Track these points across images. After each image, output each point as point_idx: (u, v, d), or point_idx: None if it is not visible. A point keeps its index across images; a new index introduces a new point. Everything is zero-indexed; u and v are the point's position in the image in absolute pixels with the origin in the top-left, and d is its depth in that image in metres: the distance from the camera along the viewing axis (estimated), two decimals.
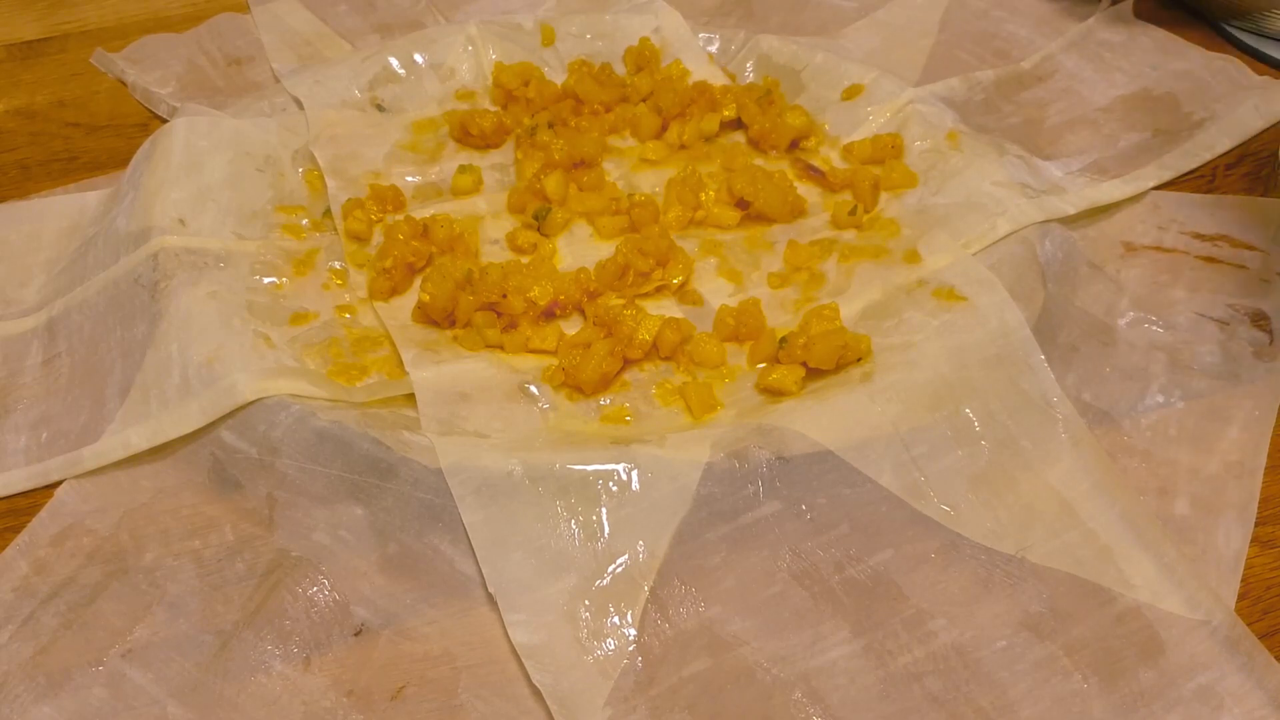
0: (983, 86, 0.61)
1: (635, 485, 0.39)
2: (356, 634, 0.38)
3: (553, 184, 0.53)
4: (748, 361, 0.46)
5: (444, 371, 0.45)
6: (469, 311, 0.47)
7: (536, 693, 0.35)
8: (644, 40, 0.62)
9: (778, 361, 0.45)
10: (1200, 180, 0.55)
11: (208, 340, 0.44)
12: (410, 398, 0.44)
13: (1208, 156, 0.56)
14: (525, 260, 0.51)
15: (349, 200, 0.53)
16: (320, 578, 0.39)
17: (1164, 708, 0.35)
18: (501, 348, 0.47)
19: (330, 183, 0.54)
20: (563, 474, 0.39)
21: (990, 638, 0.36)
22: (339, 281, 0.50)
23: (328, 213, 0.53)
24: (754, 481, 0.39)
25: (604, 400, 0.45)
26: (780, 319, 0.48)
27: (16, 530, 0.41)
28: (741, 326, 0.47)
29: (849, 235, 0.52)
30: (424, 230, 0.51)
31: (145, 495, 0.42)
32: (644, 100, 0.60)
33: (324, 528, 0.40)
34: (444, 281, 0.47)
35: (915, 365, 0.43)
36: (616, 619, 0.37)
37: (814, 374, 0.44)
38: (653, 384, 0.45)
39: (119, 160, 0.58)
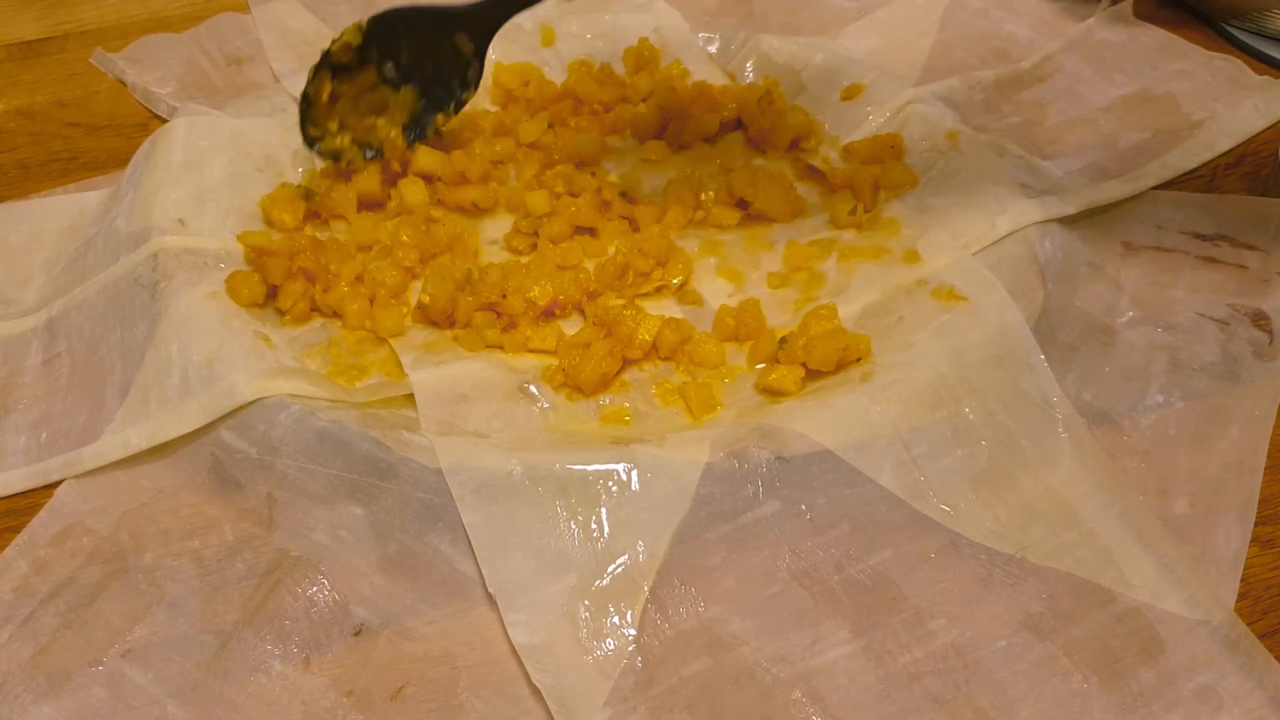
0: (983, 86, 0.61)
1: (635, 485, 0.39)
2: (356, 634, 0.38)
3: (536, 200, 0.53)
4: (747, 361, 0.46)
5: (443, 373, 0.45)
6: (469, 312, 0.47)
7: (536, 693, 0.35)
8: (643, 40, 0.62)
9: (777, 362, 0.45)
10: (1200, 180, 0.55)
11: (208, 340, 0.44)
12: (410, 397, 0.44)
13: (1208, 156, 0.56)
14: (525, 260, 0.51)
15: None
16: (320, 578, 0.39)
17: (1164, 708, 0.35)
18: (501, 348, 0.47)
19: None
20: (563, 474, 0.39)
21: (990, 638, 0.36)
22: None
23: None
24: (754, 481, 0.39)
25: (604, 400, 0.45)
26: (780, 319, 0.48)
27: (16, 530, 0.41)
28: (741, 327, 0.47)
29: (849, 235, 0.52)
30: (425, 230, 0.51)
31: (145, 495, 0.42)
32: (644, 100, 0.60)
33: (324, 528, 0.40)
34: (444, 282, 0.47)
35: (915, 365, 0.43)
36: (616, 619, 0.37)
37: (814, 374, 0.44)
38: (653, 384, 0.45)
39: (119, 160, 0.58)
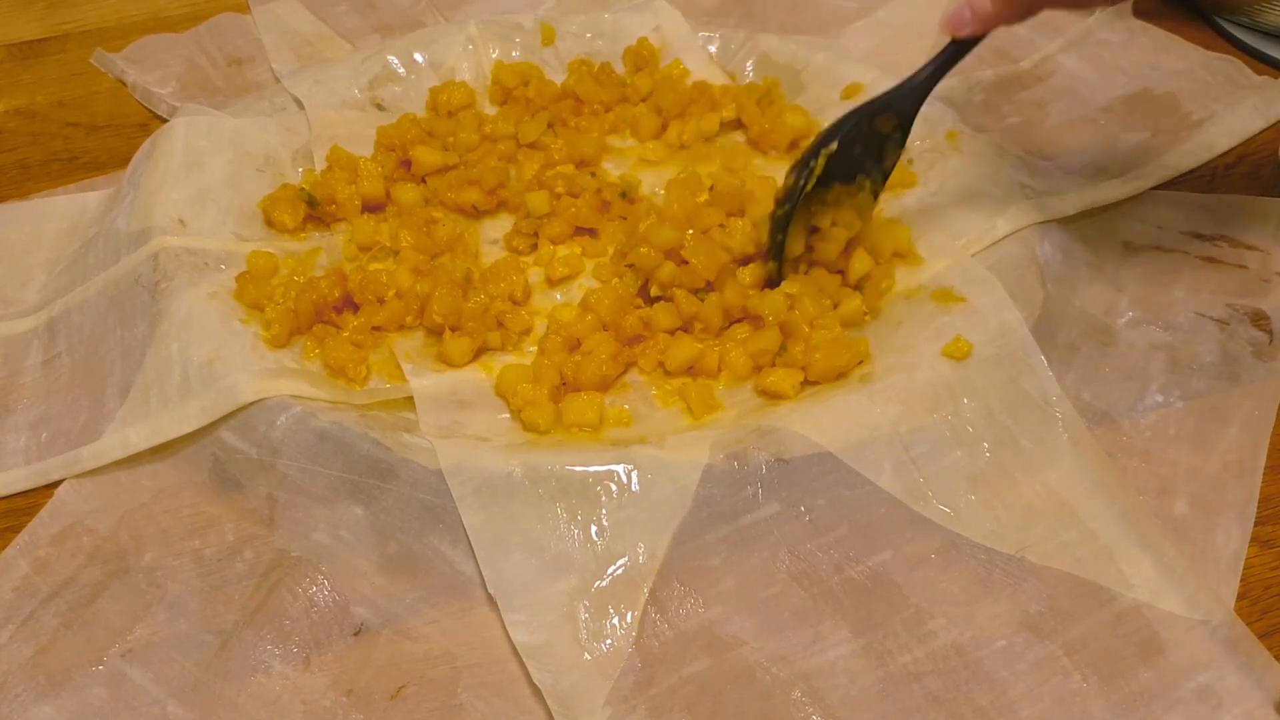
0: (982, 86, 0.61)
1: (635, 486, 0.39)
2: (356, 634, 0.38)
3: (536, 200, 0.52)
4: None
5: (444, 380, 0.45)
6: (469, 318, 0.47)
7: (536, 692, 0.35)
8: (642, 40, 0.62)
9: (773, 366, 0.45)
10: (1200, 180, 0.55)
11: (208, 340, 0.44)
12: (412, 400, 0.44)
13: (1207, 156, 0.56)
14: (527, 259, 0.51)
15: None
16: (320, 577, 0.39)
17: (1164, 707, 0.35)
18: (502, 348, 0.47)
19: None
20: (563, 475, 0.39)
21: (990, 637, 0.37)
22: None
23: None
24: (753, 483, 0.39)
25: (605, 401, 0.45)
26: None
27: (17, 530, 0.41)
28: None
29: None
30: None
31: (146, 495, 0.42)
32: (644, 100, 0.60)
33: (324, 528, 0.40)
34: (453, 299, 0.46)
35: (914, 366, 0.43)
36: (616, 619, 0.37)
37: None
38: (653, 385, 0.45)
39: (119, 160, 0.58)
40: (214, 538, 0.40)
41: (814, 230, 0.49)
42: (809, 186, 0.47)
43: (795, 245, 0.48)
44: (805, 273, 0.49)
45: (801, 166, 0.47)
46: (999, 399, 0.42)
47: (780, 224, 0.47)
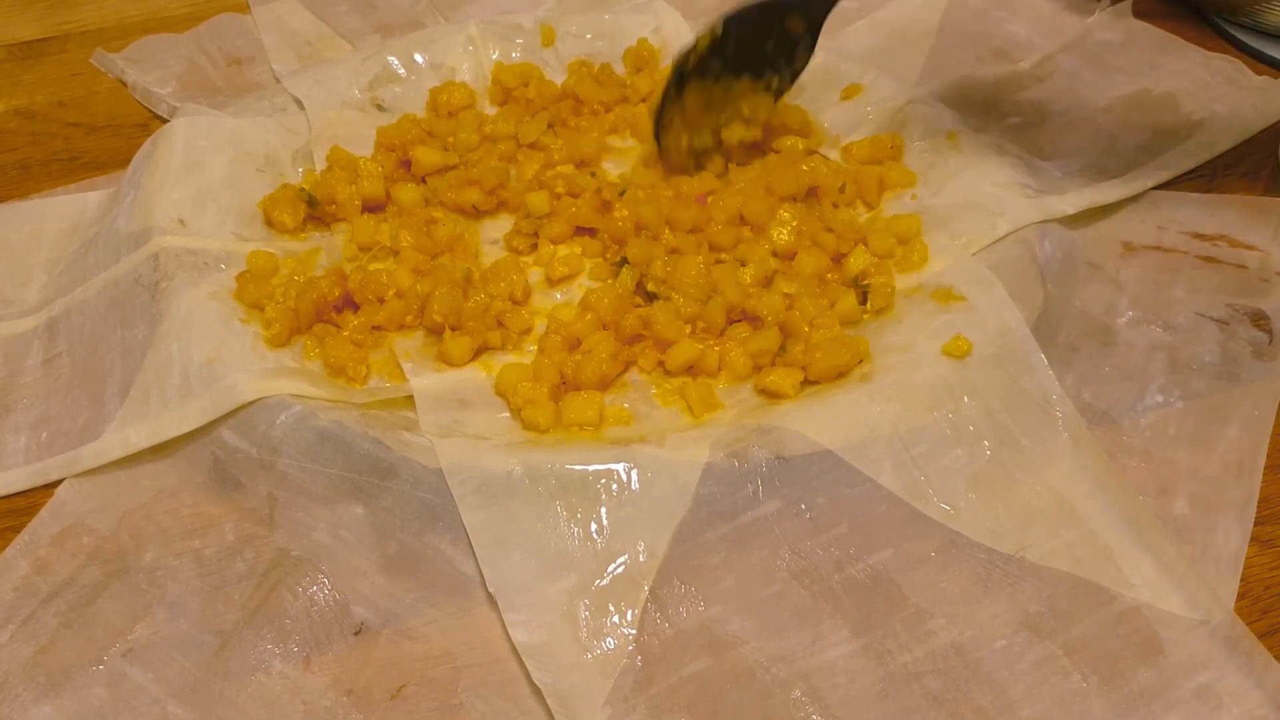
0: (983, 86, 0.61)
1: (635, 485, 0.39)
2: (356, 633, 0.38)
3: (536, 200, 0.52)
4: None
5: (444, 379, 0.45)
6: (469, 317, 0.47)
7: (536, 692, 0.35)
8: (643, 40, 0.62)
9: (773, 365, 0.45)
10: (1200, 180, 0.55)
11: (208, 340, 0.44)
12: (412, 399, 0.44)
13: (1207, 156, 0.56)
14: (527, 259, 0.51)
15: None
16: (320, 577, 0.39)
17: (1163, 707, 0.35)
18: (502, 348, 0.47)
19: None
20: (563, 474, 0.39)
21: (990, 637, 0.37)
22: None
23: None
24: (753, 481, 0.39)
25: (605, 399, 0.45)
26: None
27: (17, 530, 0.41)
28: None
29: None
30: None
31: (146, 495, 0.42)
32: (644, 101, 0.60)
33: (324, 527, 0.40)
34: (453, 299, 0.46)
35: (914, 365, 0.43)
36: (616, 618, 0.37)
37: None
38: (653, 384, 0.45)
39: (119, 160, 0.58)
40: (214, 537, 0.40)
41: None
42: (690, 64, 0.50)
43: (677, 135, 0.51)
44: (699, 167, 0.53)
45: (690, 47, 0.51)
46: (999, 398, 0.42)
47: (665, 94, 0.51)
